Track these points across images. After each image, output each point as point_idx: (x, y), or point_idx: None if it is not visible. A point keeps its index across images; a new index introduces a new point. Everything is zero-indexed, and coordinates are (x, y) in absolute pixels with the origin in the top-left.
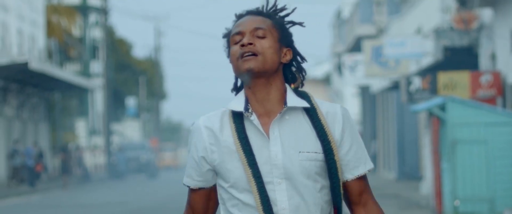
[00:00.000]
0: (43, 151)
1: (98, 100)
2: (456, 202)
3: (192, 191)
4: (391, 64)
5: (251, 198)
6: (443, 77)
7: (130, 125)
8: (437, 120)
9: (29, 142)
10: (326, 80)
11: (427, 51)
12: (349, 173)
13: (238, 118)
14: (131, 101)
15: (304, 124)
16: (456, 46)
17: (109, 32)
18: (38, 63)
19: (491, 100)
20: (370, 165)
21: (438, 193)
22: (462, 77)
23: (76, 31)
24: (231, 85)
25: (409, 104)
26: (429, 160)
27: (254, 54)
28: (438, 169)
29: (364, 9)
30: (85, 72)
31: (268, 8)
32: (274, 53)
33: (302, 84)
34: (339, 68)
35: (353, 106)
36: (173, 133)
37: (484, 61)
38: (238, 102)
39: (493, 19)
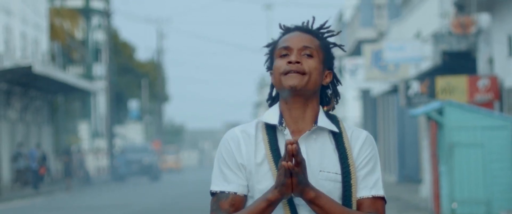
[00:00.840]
0: (47, 154)
1: (101, 103)
2: (453, 205)
3: (226, 199)
4: (391, 68)
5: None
6: (441, 82)
7: (133, 127)
8: (435, 124)
9: (32, 144)
10: None
11: (426, 56)
12: (360, 190)
13: (271, 130)
14: (133, 104)
15: (328, 145)
16: (454, 51)
17: (112, 35)
18: (41, 67)
19: (488, 105)
20: (379, 192)
21: (436, 196)
22: (459, 81)
23: (78, 34)
24: (229, 89)
25: (408, 108)
26: (428, 163)
27: (299, 73)
28: (436, 172)
29: (365, 13)
30: (88, 75)
31: (316, 27)
32: (318, 74)
33: (334, 108)
34: (340, 71)
35: (354, 109)
36: (175, 136)
37: (482, 66)
38: (272, 115)
39: (491, 24)
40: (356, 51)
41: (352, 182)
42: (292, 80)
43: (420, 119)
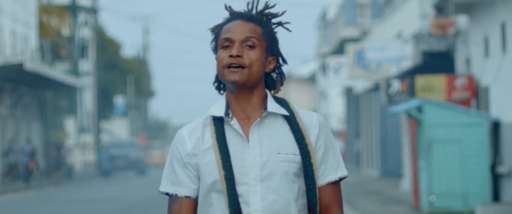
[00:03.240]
0: (36, 149)
1: (87, 99)
2: (431, 198)
3: (176, 203)
4: (373, 67)
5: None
6: (421, 81)
7: (118, 123)
8: (414, 121)
9: (22, 140)
10: (311, 80)
11: (407, 55)
12: (319, 178)
13: (218, 122)
14: (119, 100)
15: (283, 127)
16: (434, 51)
17: (99, 32)
18: (31, 64)
19: (465, 102)
20: (343, 173)
21: (415, 189)
22: (438, 80)
23: (65, 31)
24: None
25: (389, 106)
26: (408, 158)
27: (241, 66)
28: (416, 167)
29: (348, 12)
30: (74, 71)
31: (259, 10)
32: (260, 65)
33: (280, 90)
34: (323, 69)
35: (338, 106)
36: (160, 131)
37: (460, 65)
38: (218, 108)
39: (468, 26)
40: (340, 49)
41: (312, 161)
42: (234, 76)
43: (401, 116)
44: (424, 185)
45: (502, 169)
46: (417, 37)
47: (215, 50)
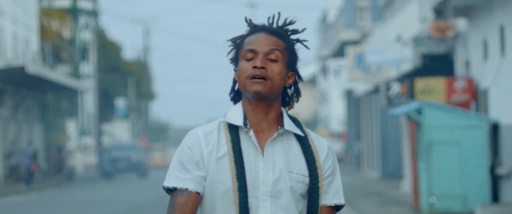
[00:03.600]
0: (38, 151)
1: (88, 102)
2: (431, 199)
3: (181, 195)
4: (373, 70)
5: (234, 211)
6: (420, 83)
7: (119, 125)
8: (414, 123)
9: (23, 142)
10: (312, 82)
11: (407, 58)
12: (323, 199)
13: (234, 130)
14: (120, 102)
15: (295, 147)
16: (433, 54)
17: (100, 34)
18: (33, 66)
19: (464, 105)
20: (340, 200)
21: (415, 191)
22: (437, 83)
23: (66, 33)
24: (216, 87)
25: (388, 108)
26: (408, 160)
27: (264, 78)
28: (416, 169)
29: (348, 15)
30: (75, 74)
31: (280, 25)
32: (282, 79)
33: (293, 107)
34: (324, 72)
35: (338, 108)
36: (161, 133)
37: (459, 68)
38: (236, 116)
39: (467, 29)
40: (340, 52)
41: (319, 184)
42: (256, 86)
43: (402, 118)
44: (424, 186)
45: (501, 171)
46: (417, 40)
47: (235, 61)
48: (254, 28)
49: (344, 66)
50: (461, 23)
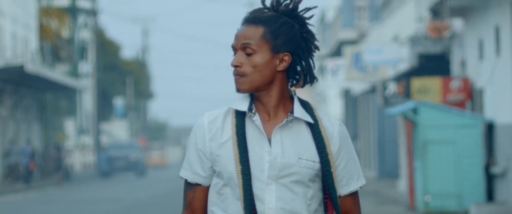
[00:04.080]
0: (36, 150)
1: (86, 101)
2: (427, 198)
3: (190, 189)
4: (370, 69)
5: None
6: (416, 83)
7: (118, 124)
8: (410, 123)
9: (22, 141)
10: None
11: (403, 58)
12: (342, 188)
13: (240, 116)
14: (118, 101)
15: (305, 134)
16: (430, 53)
17: (98, 33)
18: (32, 66)
19: (460, 104)
20: (362, 182)
21: (411, 189)
22: (433, 82)
23: (65, 33)
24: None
25: (385, 108)
26: (404, 159)
27: (240, 75)
28: (411, 168)
29: (346, 14)
30: (74, 73)
31: (274, 4)
32: (263, 69)
33: (311, 82)
34: (322, 71)
35: (336, 107)
36: (159, 132)
37: (455, 68)
38: (243, 102)
39: (463, 29)
40: (338, 52)
41: (332, 170)
42: (237, 85)
43: (398, 117)
44: (420, 185)
45: (495, 170)
46: (414, 40)
47: None
48: (243, 20)
49: (341, 66)
50: (457, 23)
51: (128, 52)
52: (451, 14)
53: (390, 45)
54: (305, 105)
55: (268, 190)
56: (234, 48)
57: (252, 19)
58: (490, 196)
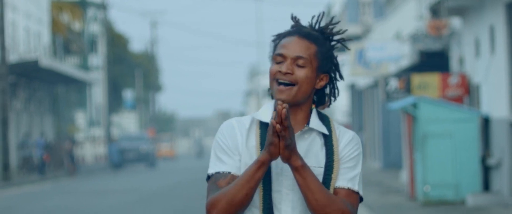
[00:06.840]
0: (49, 142)
1: (97, 93)
2: (426, 188)
3: (223, 178)
4: (373, 65)
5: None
6: (416, 79)
7: (127, 116)
8: (410, 117)
9: (35, 133)
10: None
11: (405, 55)
12: (338, 180)
13: (264, 126)
14: (128, 94)
15: (318, 143)
16: (430, 50)
17: (108, 27)
18: (46, 60)
19: (458, 99)
20: (354, 187)
21: (412, 180)
22: (433, 78)
23: (75, 26)
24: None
25: (386, 103)
26: (405, 151)
27: (290, 84)
28: (412, 159)
29: (351, 10)
30: (84, 66)
31: (321, 27)
32: (309, 83)
33: (329, 104)
34: None
35: (342, 100)
36: (167, 124)
37: (454, 64)
38: (266, 113)
39: (461, 28)
40: (343, 47)
41: (332, 175)
42: (280, 95)
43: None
44: (420, 176)
45: (491, 161)
46: (414, 37)
47: (270, 58)
48: (289, 30)
49: (346, 61)
50: (455, 22)
51: (137, 45)
52: (449, 13)
53: (392, 42)
54: (323, 118)
55: (285, 200)
56: (283, 56)
57: (307, 35)
58: (486, 186)
